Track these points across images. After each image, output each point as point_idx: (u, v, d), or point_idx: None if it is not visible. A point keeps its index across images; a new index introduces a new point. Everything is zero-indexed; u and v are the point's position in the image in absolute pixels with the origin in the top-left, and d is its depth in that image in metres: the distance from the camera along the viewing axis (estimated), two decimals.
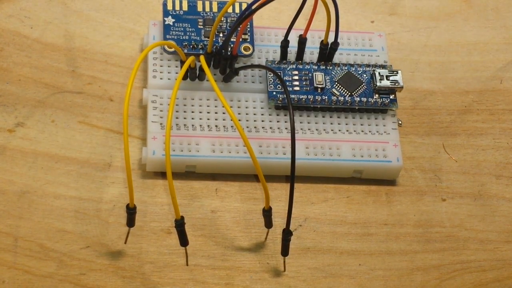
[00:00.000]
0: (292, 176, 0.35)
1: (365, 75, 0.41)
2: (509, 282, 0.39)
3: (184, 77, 0.40)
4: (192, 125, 0.40)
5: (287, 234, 0.37)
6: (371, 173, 0.41)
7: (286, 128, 0.40)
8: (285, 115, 0.41)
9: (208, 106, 0.40)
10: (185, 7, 0.42)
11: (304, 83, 0.41)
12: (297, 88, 0.41)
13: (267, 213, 0.37)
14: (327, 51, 0.42)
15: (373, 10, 0.46)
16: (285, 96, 0.40)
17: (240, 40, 0.41)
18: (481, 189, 0.42)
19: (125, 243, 0.37)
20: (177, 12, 0.42)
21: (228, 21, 0.42)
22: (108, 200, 0.39)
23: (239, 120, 0.40)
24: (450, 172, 0.42)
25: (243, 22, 0.38)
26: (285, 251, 0.37)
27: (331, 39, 0.41)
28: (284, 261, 0.38)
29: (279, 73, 0.41)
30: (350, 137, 0.41)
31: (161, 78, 0.41)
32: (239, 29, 0.39)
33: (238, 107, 0.41)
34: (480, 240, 0.40)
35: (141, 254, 0.37)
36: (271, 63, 0.41)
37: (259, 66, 0.41)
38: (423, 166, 0.42)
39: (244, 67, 0.41)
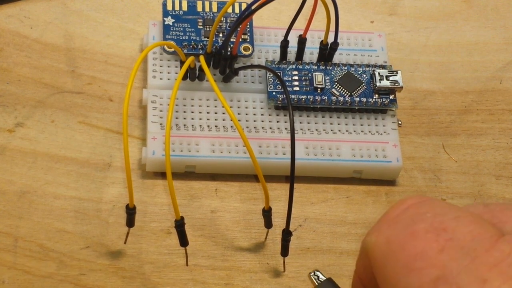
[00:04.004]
0: (292, 177, 0.35)
1: (364, 75, 0.42)
2: None
3: (184, 77, 0.40)
4: (192, 125, 0.40)
5: (286, 234, 0.37)
6: (371, 173, 0.41)
7: (286, 128, 0.40)
8: (285, 115, 0.41)
9: (208, 106, 0.40)
10: (184, 7, 0.42)
11: (304, 83, 0.41)
12: (297, 88, 0.41)
13: (267, 213, 0.38)
14: (327, 51, 0.42)
15: (373, 10, 0.46)
16: (285, 96, 0.40)
17: (240, 40, 0.41)
18: (481, 189, 0.42)
19: (125, 243, 0.37)
20: (177, 12, 0.42)
21: (228, 21, 0.42)
22: (108, 200, 0.39)
23: (239, 120, 0.40)
24: (450, 172, 0.42)
25: (243, 22, 0.38)
26: (284, 252, 0.37)
27: (331, 39, 0.41)
28: (284, 262, 0.38)
29: (279, 73, 0.41)
30: (350, 137, 0.41)
31: (161, 78, 0.41)
32: (238, 29, 0.39)
33: (238, 107, 0.41)
34: None
35: (141, 254, 0.37)
36: (271, 63, 0.41)
37: (258, 66, 0.41)
38: (423, 166, 0.42)
39: (244, 67, 0.41)
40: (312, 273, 0.36)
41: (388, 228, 0.29)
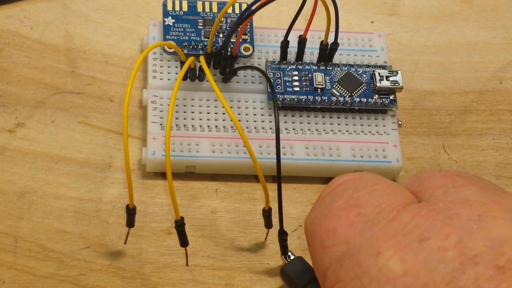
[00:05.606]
0: (278, 176, 0.35)
1: (365, 76, 0.42)
2: None
3: (184, 78, 0.40)
4: (192, 126, 0.40)
5: (282, 234, 0.37)
6: None
7: (286, 129, 0.40)
8: (285, 116, 0.41)
9: (208, 106, 0.40)
10: (185, 7, 0.42)
11: (304, 83, 0.41)
12: (297, 89, 0.41)
13: (267, 214, 0.38)
14: (327, 52, 0.42)
15: (373, 10, 0.46)
16: (284, 96, 0.40)
17: (240, 40, 0.41)
18: None
19: (125, 243, 0.37)
20: (177, 13, 0.42)
21: (228, 21, 0.42)
22: (108, 201, 0.39)
23: (239, 120, 0.40)
24: None
25: (243, 22, 0.38)
26: (285, 251, 0.37)
27: (331, 39, 0.41)
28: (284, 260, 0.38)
29: (278, 74, 0.41)
30: (350, 137, 0.41)
31: (161, 79, 0.41)
32: (239, 29, 0.39)
33: (238, 108, 0.41)
34: None
35: (141, 255, 0.38)
36: (271, 63, 0.41)
37: (250, 67, 0.41)
38: (423, 166, 0.42)
39: (239, 68, 0.41)
40: (283, 255, 0.37)
41: (315, 208, 0.29)
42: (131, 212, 0.36)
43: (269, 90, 0.41)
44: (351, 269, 0.26)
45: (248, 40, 0.42)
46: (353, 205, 0.27)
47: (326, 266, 0.27)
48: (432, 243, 0.25)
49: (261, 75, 0.42)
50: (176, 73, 0.41)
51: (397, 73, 0.41)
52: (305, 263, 0.36)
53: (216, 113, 0.40)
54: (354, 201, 0.27)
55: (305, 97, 0.41)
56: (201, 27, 0.42)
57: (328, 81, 0.41)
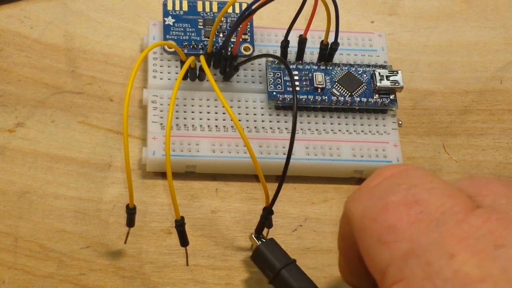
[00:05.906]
0: (289, 154, 0.35)
1: (365, 75, 0.42)
2: None
3: (184, 77, 0.40)
4: (192, 125, 0.40)
5: (268, 212, 0.36)
6: (371, 173, 0.40)
7: (286, 128, 0.40)
8: (285, 115, 0.41)
9: (208, 106, 0.40)
10: (185, 7, 0.42)
11: (304, 83, 0.41)
12: (297, 88, 0.41)
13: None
14: (327, 51, 0.42)
15: (373, 10, 0.46)
16: (284, 96, 0.40)
17: (240, 40, 0.41)
18: None
19: (125, 243, 0.37)
20: (177, 12, 0.42)
21: (228, 21, 0.42)
22: (108, 200, 0.39)
23: (239, 120, 0.40)
24: (450, 172, 0.42)
25: (243, 22, 0.38)
26: (261, 230, 0.37)
27: (331, 39, 0.41)
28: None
29: (279, 74, 0.41)
30: (350, 137, 0.41)
31: (161, 78, 0.41)
32: (239, 29, 0.39)
33: (238, 107, 0.41)
34: None
35: (141, 254, 0.37)
36: (271, 63, 0.41)
37: (261, 56, 0.40)
38: (423, 166, 0.42)
39: (245, 61, 0.40)
40: (255, 234, 0.37)
41: (364, 199, 0.29)
42: (131, 212, 0.36)
43: (269, 90, 0.41)
44: (420, 269, 0.25)
45: (248, 40, 0.42)
46: (412, 202, 0.27)
47: (387, 262, 0.27)
48: (509, 251, 0.25)
49: (261, 74, 0.42)
50: (176, 73, 0.41)
51: (397, 73, 0.41)
52: (279, 245, 0.36)
53: (216, 113, 0.40)
54: (412, 198, 0.27)
55: (305, 96, 0.41)
56: (201, 27, 0.42)
57: (328, 80, 0.41)
